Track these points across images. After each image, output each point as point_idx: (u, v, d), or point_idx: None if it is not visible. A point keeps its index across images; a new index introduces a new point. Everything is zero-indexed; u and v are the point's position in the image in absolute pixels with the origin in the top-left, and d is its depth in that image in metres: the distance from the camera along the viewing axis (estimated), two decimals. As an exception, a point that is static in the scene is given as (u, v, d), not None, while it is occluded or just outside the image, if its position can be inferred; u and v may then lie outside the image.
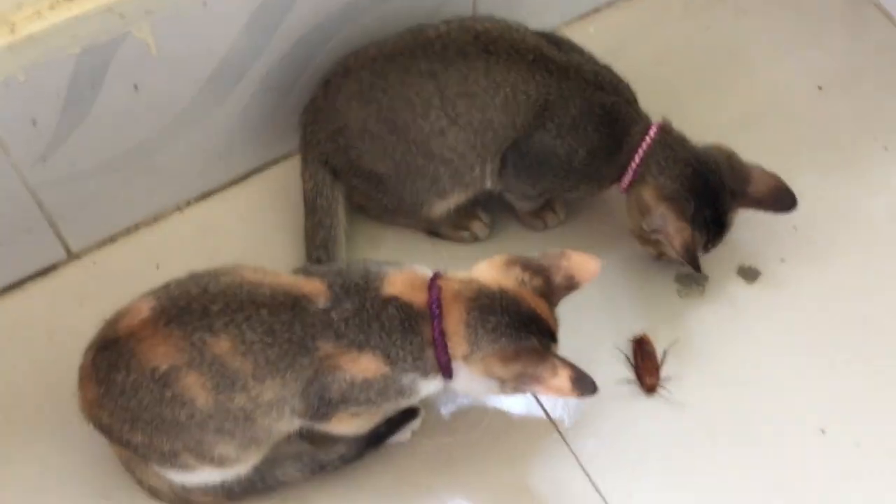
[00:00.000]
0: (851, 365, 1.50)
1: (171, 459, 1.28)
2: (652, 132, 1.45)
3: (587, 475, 1.42)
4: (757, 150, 1.64)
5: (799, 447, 1.44)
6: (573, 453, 1.43)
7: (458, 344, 1.23)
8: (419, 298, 1.24)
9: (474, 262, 1.53)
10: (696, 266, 1.45)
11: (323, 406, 1.25)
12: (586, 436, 1.45)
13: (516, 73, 1.41)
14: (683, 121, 1.63)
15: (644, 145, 1.44)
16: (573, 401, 1.46)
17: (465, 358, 1.24)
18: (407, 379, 1.25)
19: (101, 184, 1.48)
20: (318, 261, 1.49)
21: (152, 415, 1.23)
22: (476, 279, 1.26)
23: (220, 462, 1.29)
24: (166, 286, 1.26)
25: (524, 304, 1.24)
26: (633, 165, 1.45)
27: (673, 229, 1.42)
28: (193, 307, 1.22)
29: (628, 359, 1.48)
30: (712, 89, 1.73)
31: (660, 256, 1.53)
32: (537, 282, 1.26)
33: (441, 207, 1.51)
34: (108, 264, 1.56)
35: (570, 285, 1.27)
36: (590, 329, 1.50)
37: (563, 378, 1.23)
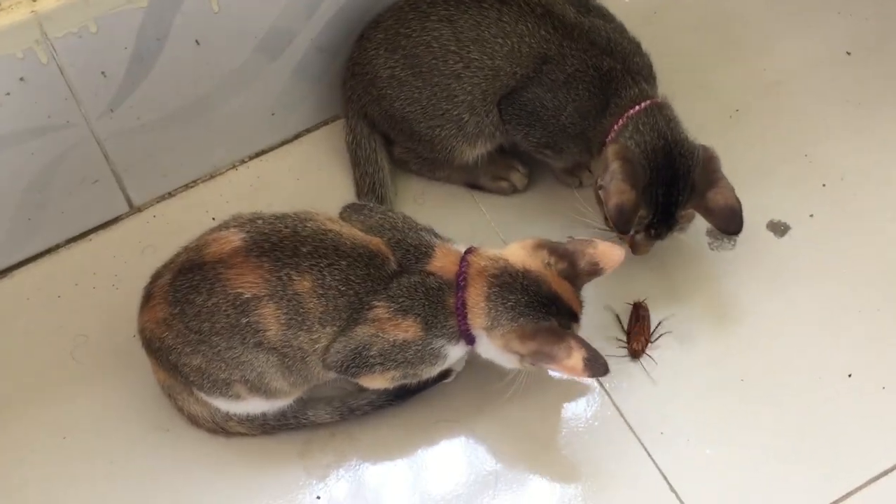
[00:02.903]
0: (877, 314, 1.55)
1: (223, 388, 1.36)
2: (643, 104, 1.46)
3: (622, 415, 1.48)
4: (785, 114, 1.72)
5: (826, 392, 1.49)
6: (606, 392, 1.50)
7: (477, 315, 1.32)
8: (452, 271, 1.33)
9: (513, 215, 1.63)
10: (622, 229, 1.44)
11: (359, 361, 1.33)
12: (619, 377, 1.51)
13: (523, 25, 1.48)
14: (712, 88, 1.70)
15: (630, 113, 1.46)
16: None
17: (487, 330, 1.33)
18: (437, 343, 1.34)
19: (162, 138, 1.57)
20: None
21: (221, 339, 1.31)
22: (504, 258, 1.34)
23: (271, 394, 1.38)
24: (252, 221, 1.34)
25: (545, 285, 1.32)
26: (615, 128, 1.47)
27: (615, 188, 1.41)
28: (285, 244, 1.31)
29: (619, 319, 1.51)
30: (742, 57, 1.78)
31: (606, 222, 1.50)
32: (562, 265, 1.33)
33: (471, 154, 1.58)
34: (168, 217, 1.65)
35: (594, 271, 1.34)
36: (631, 275, 1.54)
37: (576, 359, 1.30)
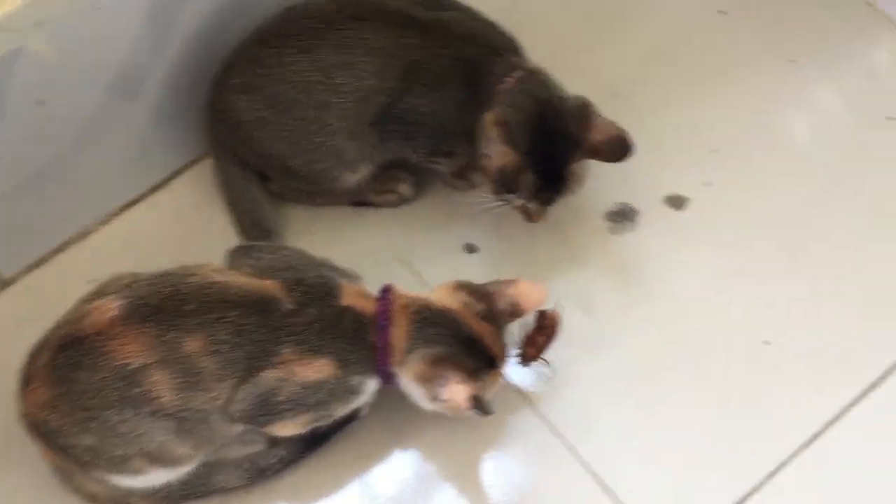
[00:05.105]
0: (786, 276, 1.53)
1: (120, 464, 1.29)
2: (514, 76, 1.43)
3: (543, 417, 1.44)
4: (666, 84, 1.68)
5: (744, 361, 1.47)
6: (528, 399, 1.46)
7: (398, 351, 1.30)
8: (370, 308, 1.31)
9: (408, 227, 1.58)
10: (505, 188, 1.42)
11: (267, 409, 1.28)
12: (532, 380, 1.47)
13: (384, 37, 1.43)
14: (586, 68, 1.66)
15: (503, 87, 1.43)
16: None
17: (401, 364, 1.31)
18: (355, 380, 1.31)
19: (22, 205, 1.47)
20: (257, 240, 1.53)
21: (112, 414, 1.25)
22: (425, 297, 1.33)
23: (175, 462, 1.31)
24: (129, 286, 1.28)
25: (464, 325, 1.31)
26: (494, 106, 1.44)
27: (496, 152, 1.40)
28: (167, 305, 1.25)
29: (524, 324, 1.44)
30: (613, 32, 1.74)
31: (495, 192, 1.46)
32: (481, 306, 1.32)
33: (354, 179, 1.53)
34: (42, 287, 1.55)
35: (515, 312, 1.34)
36: (534, 272, 1.50)
37: (464, 391, 1.28)
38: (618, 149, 1.43)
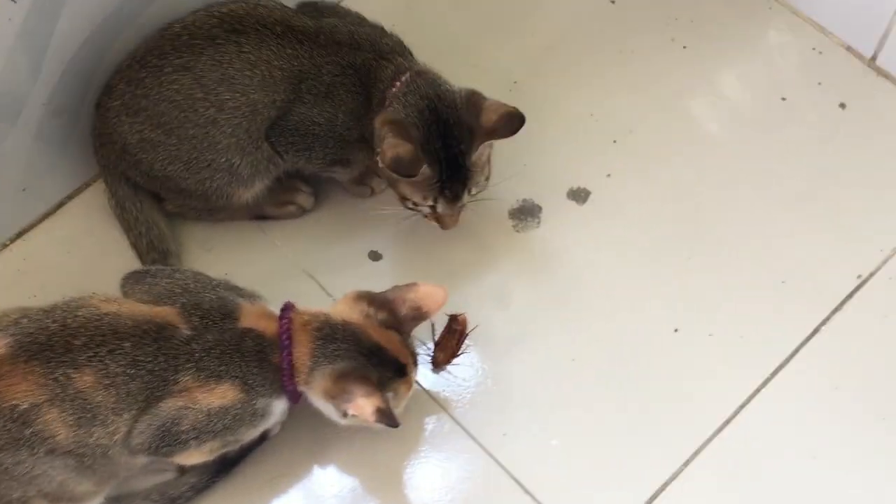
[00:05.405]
0: (692, 262, 1.53)
1: None
2: (403, 78, 1.42)
3: (459, 422, 1.43)
4: (563, 77, 1.67)
5: (656, 349, 1.47)
6: (442, 406, 1.44)
7: (302, 370, 1.28)
8: (271, 329, 1.28)
9: (310, 239, 1.55)
10: (407, 172, 1.39)
11: (170, 439, 1.25)
12: (448, 385, 1.45)
13: (268, 49, 1.40)
14: (485, 66, 1.65)
15: (393, 90, 1.42)
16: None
17: (307, 382, 1.28)
18: (261, 403, 1.28)
19: None
20: (154, 262, 1.50)
21: (6, 456, 1.20)
22: (325, 312, 1.30)
23: (78, 499, 1.27)
24: (16, 323, 1.23)
25: (365, 335, 1.28)
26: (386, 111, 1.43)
27: (388, 145, 1.38)
28: (55, 342, 1.21)
29: (433, 328, 1.44)
30: (508, 28, 1.73)
31: (402, 201, 1.46)
32: (383, 314, 1.29)
33: (250, 194, 1.50)
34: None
35: (418, 315, 1.31)
36: (441, 277, 1.48)
37: (370, 403, 1.26)
38: (512, 122, 1.41)
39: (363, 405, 1.26)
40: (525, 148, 1.57)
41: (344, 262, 1.54)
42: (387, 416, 1.27)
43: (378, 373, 1.28)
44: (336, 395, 1.27)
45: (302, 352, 1.27)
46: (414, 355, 1.33)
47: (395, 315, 1.30)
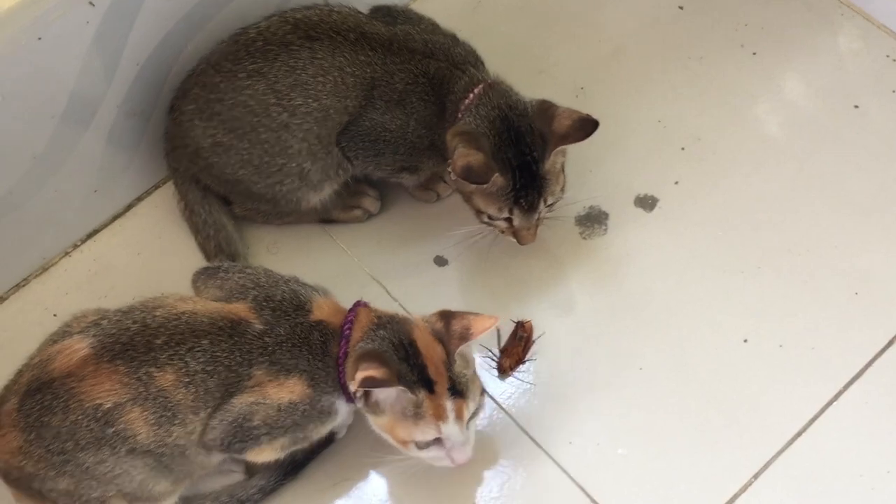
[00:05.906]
0: (760, 271, 1.51)
1: None
2: (476, 90, 1.41)
3: (525, 430, 1.42)
4: (630, 83, 1.66)
5: (725, 360, 1.45)
6: (507, 413, 1.43)
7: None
8: (339, 322, 1.27)
9: (374, 243, 1.56)
10: (480, 179, 1.36)
11: (242, 434, 1.25)
12: (514, 392, 1.44)
13: (341, 56, 1.40)
14: (551, 71, 1.64)
15: (466, 102, 1.41)
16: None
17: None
18: (326, 401, 1.28)
19: (-22, 243, 1.44)
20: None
21: (88, 455, 1.21)
22: (397, 313, 1.29)
23: (154, 499, 1.28)
24: (96, 324, 1.24)
25: (406, 331, 1.26)
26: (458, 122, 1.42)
27: (459, 155, 1.36)
28: (137, 342, 1.22)
29: (499, 336, 1.44)
30: (575, 32, 1.72)
31: (477, 215, 1.45)
32: (438, 325, 1.28)
33: (319, 198, 1.50)
34: (4, 324, 1.51)
35: (464, 335, 1.28)
36: (506, 283, 1.48)
37: (362, 374, 1.21)
38: (585, 126, 1.39)
39: (358, 377, 1.21)
40: (592, 155, 1.55)
41: (409, 266, 1.54)
42: (374, 383, 1.20)
43: (401, 367, 1.24)
44: (353, 376, 1.24)
45: (356, 341, 1.26)
46: (446, 377, 1.26)
47: (448, 328, 1.27)
